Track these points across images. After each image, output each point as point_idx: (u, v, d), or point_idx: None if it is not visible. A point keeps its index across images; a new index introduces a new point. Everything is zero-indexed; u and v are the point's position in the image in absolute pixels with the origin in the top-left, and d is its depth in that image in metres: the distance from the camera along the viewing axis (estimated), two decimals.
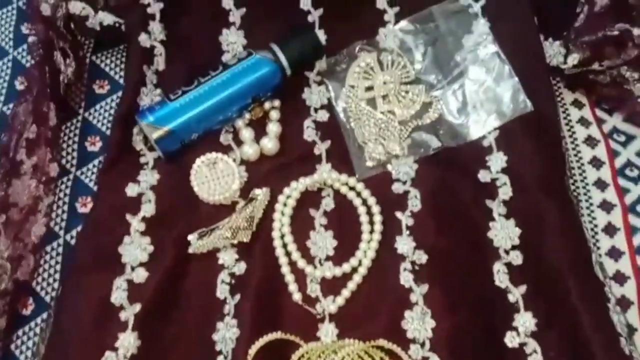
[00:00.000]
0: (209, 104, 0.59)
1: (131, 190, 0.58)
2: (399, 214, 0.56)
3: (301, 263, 0.54)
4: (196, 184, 0.60)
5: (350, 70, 0.62)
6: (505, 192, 0.56)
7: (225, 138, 0.61)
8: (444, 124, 0.62)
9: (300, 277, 0.54)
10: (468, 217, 0.56)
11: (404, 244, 0.55)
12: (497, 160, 0.58)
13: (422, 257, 0.54)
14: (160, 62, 0.63)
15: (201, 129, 0.60)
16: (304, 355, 0.50)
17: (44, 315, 0.57)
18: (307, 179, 0.57)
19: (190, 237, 0.55)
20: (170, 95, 0.60)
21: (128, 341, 0.51)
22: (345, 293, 0.53)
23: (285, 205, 0.57)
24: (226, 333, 0.52)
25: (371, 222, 0.56)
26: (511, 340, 0.51)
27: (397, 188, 0.57)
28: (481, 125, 0.61)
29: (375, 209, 0.57)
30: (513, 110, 0.61)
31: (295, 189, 0.57)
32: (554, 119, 0.60)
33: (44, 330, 0.55)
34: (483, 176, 0.58)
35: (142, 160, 0.60)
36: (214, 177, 0.59)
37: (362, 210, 0.56)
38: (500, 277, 0.53)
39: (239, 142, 0.61)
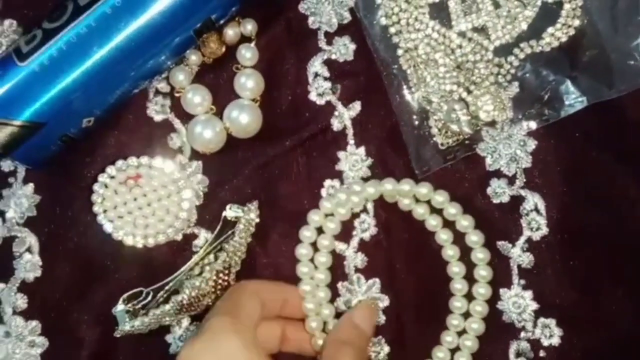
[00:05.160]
0: (103, 55, 0.31)
1: None
2: (503, 246, 0.35)
3: None
4: (106, 221, 0.34)
5: None
6: None
7: (155, 110, 0.36)
8: (593, 47, 0.34)
9: None
10: None
11: (515, 304, 0.34)
12: None
13: (553, 334, 0.33)
14: None
15: (99, 106, 0.33)
16: None
17: None
18: (329, 192, 0.35)
19: (115, 310, 0.34)
20: (22, 46, 0.31)
21: None
22: None
23: None
24: None
25: (468, 264, 0.34)
26: None
27: (497, 190, 0.35)
28: None
29: (475, 237, 0.34)
30: None
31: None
32: None
33: None
34: None
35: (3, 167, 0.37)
36: (140, 203, 0.34)
37: (444, 236, 0.34)
38: None
39: (183, 116, 0.35)
